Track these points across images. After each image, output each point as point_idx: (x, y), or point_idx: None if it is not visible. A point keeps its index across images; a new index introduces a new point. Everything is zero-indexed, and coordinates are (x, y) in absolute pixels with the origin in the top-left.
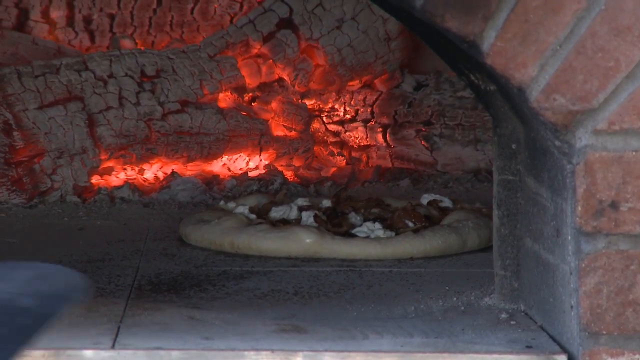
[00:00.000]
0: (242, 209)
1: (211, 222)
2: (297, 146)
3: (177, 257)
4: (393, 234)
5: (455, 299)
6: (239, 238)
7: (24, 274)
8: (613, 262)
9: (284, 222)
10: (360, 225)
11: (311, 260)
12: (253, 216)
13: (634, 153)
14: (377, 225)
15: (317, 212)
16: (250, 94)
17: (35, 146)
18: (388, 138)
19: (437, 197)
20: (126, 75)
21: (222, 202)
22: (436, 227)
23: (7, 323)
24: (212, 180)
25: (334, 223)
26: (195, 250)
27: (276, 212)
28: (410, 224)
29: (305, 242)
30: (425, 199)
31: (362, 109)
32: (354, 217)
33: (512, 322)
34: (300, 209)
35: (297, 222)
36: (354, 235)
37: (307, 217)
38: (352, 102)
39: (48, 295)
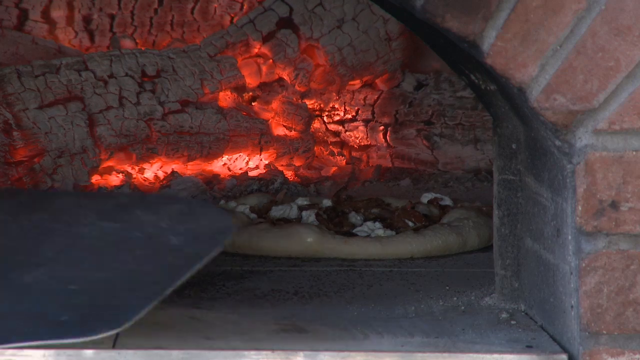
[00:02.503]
0: (243, 209)
1: None
2: (298, 146)
3: None
4: (393, 233)
5: (455, 298)
6: (239, 237)
7: (171, 208)
8: (613, 261)
9: (285, 222)
10: (361, 225)
11: (311, 260)
12: (253, 215)
13: (634, 153)
14: (377, 224)
15: (318, 210)
16: (251, 94)
17: (35, 146)
18: (388, 138)
19: (438, 195)
20: (126, 75)
21: (222, 202)
22: (436, 226)
23: (153, 259)
24: (212, 180)
25: (335, 222)
26: None
27: (276, 212)
28: (411, 224)
29: (306, 241)
30: (426, 197)
31: (362, 109)
32: (354, 217)
33: (513, 322)
34: (301, 208)
35: (298, 221)
36: (354, 235)
37: (307, 216)
38: (352, 102)
39: (195, 234)
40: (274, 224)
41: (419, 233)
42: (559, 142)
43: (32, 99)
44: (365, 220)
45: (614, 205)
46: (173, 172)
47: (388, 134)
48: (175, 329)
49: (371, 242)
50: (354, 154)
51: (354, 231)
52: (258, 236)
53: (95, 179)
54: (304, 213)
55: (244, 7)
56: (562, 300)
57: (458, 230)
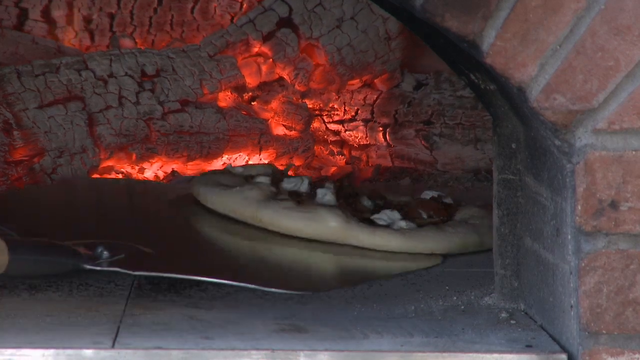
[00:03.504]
0: (263, 179)
1: (232, 188)
2: (297, 145)
3: None
4: (414, 225)
5: (455, 298)
6: (263, 211)
7: None
8: (613, 261)
9: (307, 199)
10: (373, 208)
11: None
12: (273, 189)
13: (633, 152)
14: (397, 214)
15: (334, 184)
16: (250, 94)
17: (35, 145)
18: (388, 137)
19: (440, 193)
20: (126, 74)
21: (229, 166)
22: (455, 223)
23: None
24: None
25: (349, 203)
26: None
27: (288, 184)
28: (424, 215)
29: (329, 225)
30: (427, 195)
31: (362, 109)
32: (365, 201)
33: (512, 322)
34: (313, 185)
35: (309, 197)
36: (374, 224)
37: (323, 194)
38: (352, 102)
39: None
40: (299, 203)
41: (440, 228)
42: (558, 142)
43: (32, 98)
44: (376, 206)
45: (614, 205)
46: (173, 171)
47: (387, 134)
48: (175, 328)
49: (394, 234)
50: (353, 153)
51: (372, 218)
52: (281, 214)
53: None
54: (319, 191)
55: (244, 7)
56: (561, 300)
57: (475, 228)
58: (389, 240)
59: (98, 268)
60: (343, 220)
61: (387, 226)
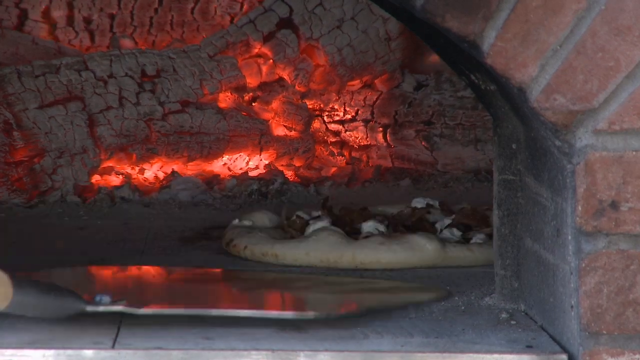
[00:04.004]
0: (325, 223)
1: (296, 237)
2: (298, 146)
3: (177, 256)
4: (487, 237)
5: (455, 298)
6: (361, 252)
7: None
8: (613, 261)
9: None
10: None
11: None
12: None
13: (634, 153)
14: (456, 231)
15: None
16: (251, 94)
17: (35, 146)
18: (388, 138)
19: (429, 200)
20: (126, 75)
21: (236, 221)
22: None
23: None
24: (212, 180)
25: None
26: (195, 250)
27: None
28: (460, 227)
29: (428, 249)
30: (419, 202)
31: (362, 109)
32: (368, 227)
33: (513, 322)
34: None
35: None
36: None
37: (370, 227)
38: (352, 102)
39: None
40: (388, 236)
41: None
42: (559, 142)
43: (32, 99)
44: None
45: (614, 205)
46: (173, 172)
47: (388, 134)
48: (175, 328)
49: (487, 249)
50: (354, 154)
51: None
52: (380, 250)
53: (95, 179)
54: (364, 225)
55: (244, 7)
56: (562, 300)
57: None
58: (484, 254)
59: (101, 308)
60: (439, 242)
61: (476, 242)
